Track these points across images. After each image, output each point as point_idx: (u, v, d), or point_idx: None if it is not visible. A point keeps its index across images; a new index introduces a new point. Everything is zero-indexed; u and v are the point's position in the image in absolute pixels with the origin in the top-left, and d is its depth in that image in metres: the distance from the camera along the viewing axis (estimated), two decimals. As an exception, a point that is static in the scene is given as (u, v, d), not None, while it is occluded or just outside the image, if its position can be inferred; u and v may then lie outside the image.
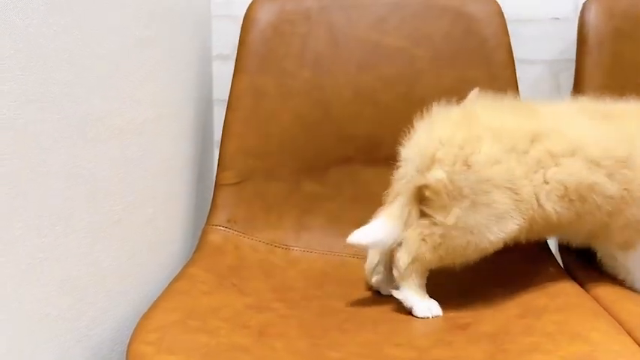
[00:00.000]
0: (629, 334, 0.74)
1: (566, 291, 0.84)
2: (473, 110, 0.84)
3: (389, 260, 0.86)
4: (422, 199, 0.82)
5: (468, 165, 0.79)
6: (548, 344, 0.71)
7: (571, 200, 0.80)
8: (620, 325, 0.75)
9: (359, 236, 0.81)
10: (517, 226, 0.80)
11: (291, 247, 1.01)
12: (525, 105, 0.88)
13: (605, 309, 0.80)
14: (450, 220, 0.79)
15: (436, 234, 0.80)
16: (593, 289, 0.86)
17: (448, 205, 0.79)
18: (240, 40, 1.05)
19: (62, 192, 0.68)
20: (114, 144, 0.79)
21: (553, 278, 0.88)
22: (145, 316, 0.75)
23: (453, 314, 0.83)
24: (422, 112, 0.85)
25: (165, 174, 0.95)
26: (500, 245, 0.82)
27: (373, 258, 0.89)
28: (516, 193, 0.79)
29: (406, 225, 0.82)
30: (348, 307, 0.87)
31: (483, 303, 0.84)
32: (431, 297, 0.84)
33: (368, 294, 0.91)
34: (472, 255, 0.82)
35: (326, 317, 0.83)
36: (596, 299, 0.83)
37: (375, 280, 0.89)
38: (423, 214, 0.82)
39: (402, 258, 0.82)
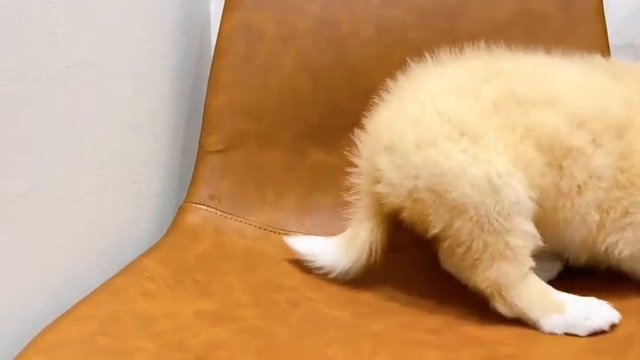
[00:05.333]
0: None
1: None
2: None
3: None
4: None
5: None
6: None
7: None
8: None
9: (298, 242, 0.72)
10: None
11: (292, 233, 0.79)
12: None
13: None
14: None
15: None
16: None
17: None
18: (232, -32, 0.84)
19: None
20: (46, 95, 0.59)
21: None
22: (47, 329, 0.55)
23: (491, 338, 0.59)
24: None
25: (123, 138, 0.75)
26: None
27: None
28: None
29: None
30: (347, 318, 0.64)
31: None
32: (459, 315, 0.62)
33: (382, 296, 0.68)
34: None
35: (308, 334, 0.60)
36: None
37: None
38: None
39: (510, 273, 0.61)
